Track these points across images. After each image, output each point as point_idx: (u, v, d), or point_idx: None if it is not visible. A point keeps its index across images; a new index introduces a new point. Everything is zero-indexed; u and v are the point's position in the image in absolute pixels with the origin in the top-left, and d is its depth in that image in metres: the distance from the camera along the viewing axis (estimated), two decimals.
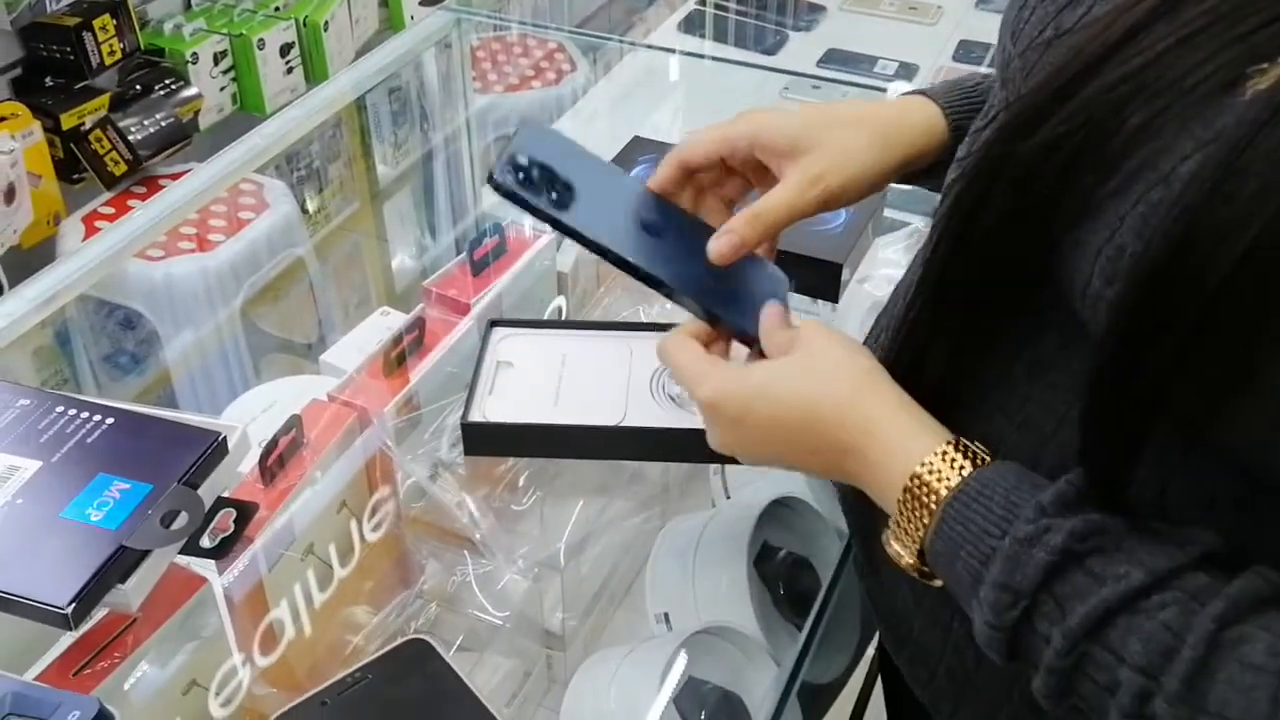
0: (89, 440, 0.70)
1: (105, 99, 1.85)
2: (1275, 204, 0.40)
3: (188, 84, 1.96)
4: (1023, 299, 0.55)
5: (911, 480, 0.54)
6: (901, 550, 0.56)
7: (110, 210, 1.88)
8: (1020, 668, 0.51)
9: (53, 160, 1.81)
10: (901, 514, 0.55)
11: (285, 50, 2.09)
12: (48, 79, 1.83)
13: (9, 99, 1.78)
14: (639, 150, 1.08)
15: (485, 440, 0.76)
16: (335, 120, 1.83)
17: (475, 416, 0.74)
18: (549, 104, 2.12)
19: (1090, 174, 0.46)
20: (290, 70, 2.12)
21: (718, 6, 2.14)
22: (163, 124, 1.90)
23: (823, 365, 0.59)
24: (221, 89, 2.04)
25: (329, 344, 1.04)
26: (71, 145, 1.83)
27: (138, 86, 1.90)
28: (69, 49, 1.79)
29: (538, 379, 0.78)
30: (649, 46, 1.79)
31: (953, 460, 0.53)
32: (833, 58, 1.91)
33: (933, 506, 0.53)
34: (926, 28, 1.99)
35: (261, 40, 2.04)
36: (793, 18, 2.08)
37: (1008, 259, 0.52)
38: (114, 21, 1.83)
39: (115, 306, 1.78)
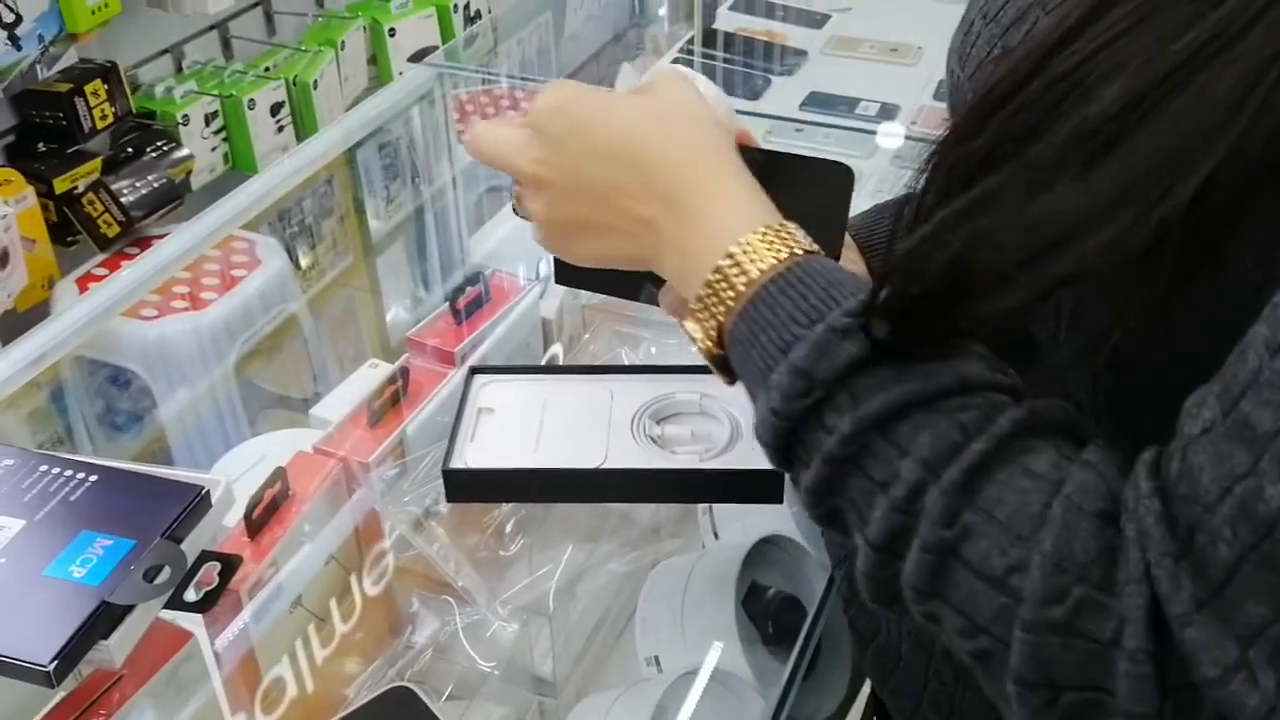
0: (72, 498, 0.70)
1: (98, 162, 1.87)
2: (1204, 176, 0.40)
3: (179, 145, 1.98)
4: None
5: (727, 256, 0.51)
6: (696, 329, 0.53)
7: (104, 272, 1.90)
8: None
9: (46, 224, 1.83)
10: (708, 286, 0.52)
11: (275, 109, 2.12)
12: (40, 144, 1.85)
13: (2, 165, 1.81)
14: None
15: (468, 487, 0.76)
16: (327, 176, 1.85)
17: (457, 463, 0.75)
18: None
19: (1030, 170, 0.47)
20: (281, 129, 2.14)
21: (704, 55, 2.17)
22: (155, 185, 1.92)
23: (669, 108, 0.57)
24: (213, 149, 2.07)
25: (324, 399, 1.04)
26: (65, 209, 1.85)
27: (130, 149, 1.92)
28: (61, 114, 1.81)
29: (519, 425, 0.79)
30: None
31: (772, 243, 0.51)
32: (815, 100, 1.93)
33: (740, 286, 0.51)
34: (907, 68, 2.01)
35: (252, 100, 2.07)
36: (776, 63, 2.10)
37: None
38: (105, 86, 1.86)
39: (109, 366, 1.79)
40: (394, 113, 1.49)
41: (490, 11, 2.63)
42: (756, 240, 0.51)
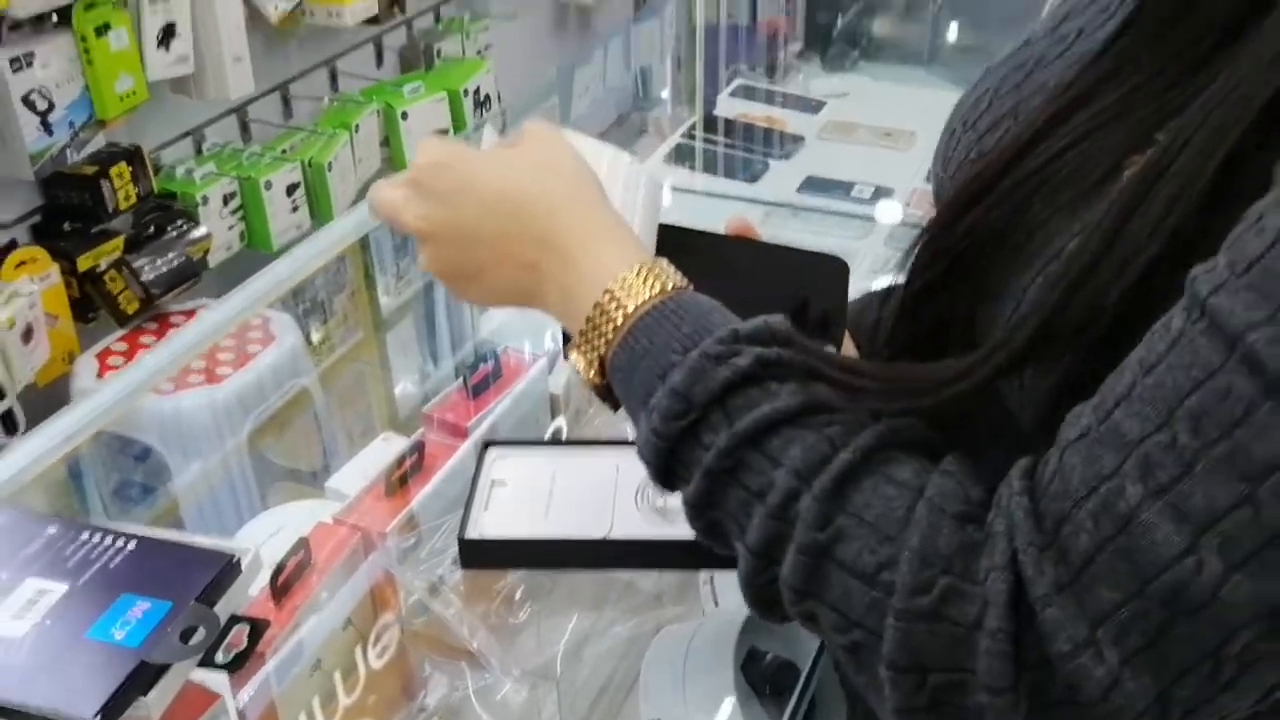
0: (112, 564, 0.75)
1: (120, 241, 1.94)
2: (1141, 267, 0.46)
3: (198, 224, 2.05)
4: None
5: (605, 293, 0.56)
6: (580, 360, 0.58)
7: (123, 347, 1.96)
8: None
9: (68, 300, 1.89)
10: (589, 322, 0.57)
11: (291, 190, 2.19)
12: (66, 224, 1.92)
13: (29, 243, 1.87)
14: None
15: (481, 555, 0.80)
16: (339, 255, 1.92)
17: (471, 533, 0.79)
18: None
19: (999, 261, 0.53)
20: (295, 209, 2.21)
21: (706, 139, 2.25)
22: (174, 263, 1.99)
23: (543, 159, 0.62)
24: (230, 228, 2.14)
25: (333, 470, 1.09)
26: (87, 286, 1.91)
27: (151, 228, 1.99)
28: (87, 196, 1.89)
29: (529, 496, 0.83)
30: None
31: (646, 279, 0.56)
32: (812, 183, 2.01)
33: (619, 320, 0.56)
34: (900, 153, 2.09)
35: (269, 181, 2.14)
36: (775, 147, 2.18)
37: (941, 328, 0.58)
38: (130, 169, 1.93)
39: (126, 440, 1.83)
40: None
41: (499, 96, 2.72)
42: (632, 277, 0.56)
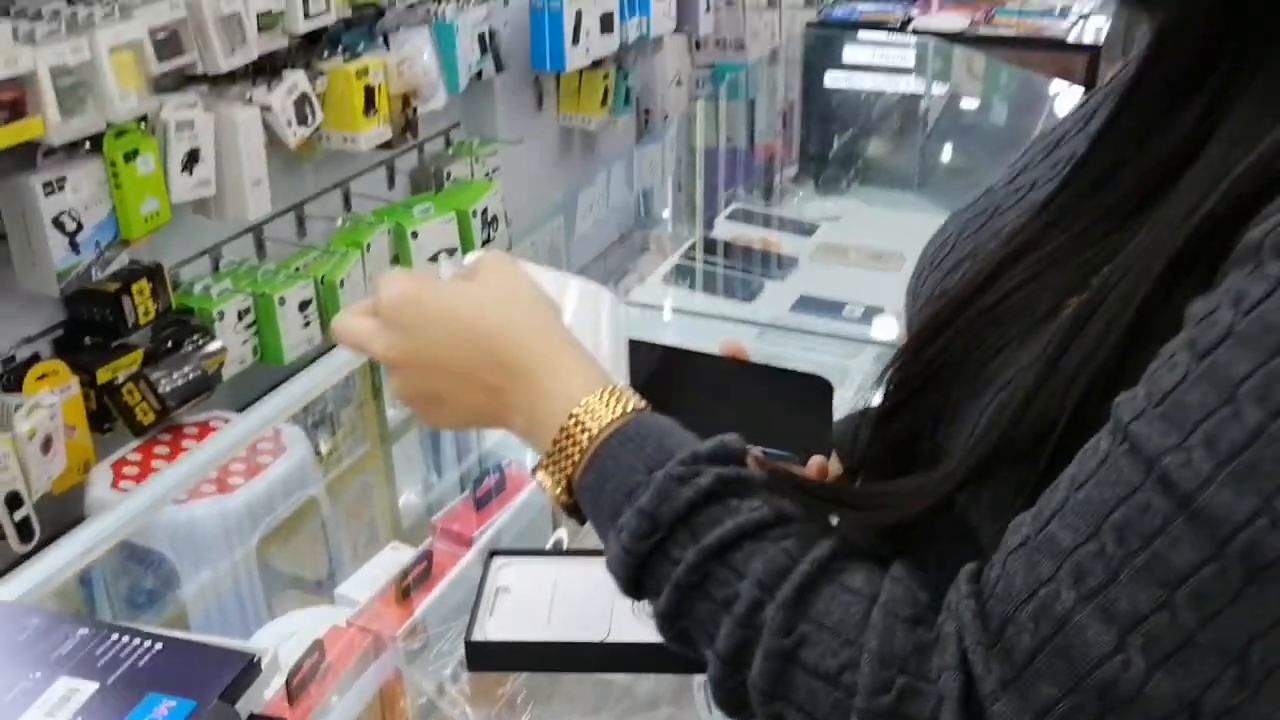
0: (140, 663, 0.79)
1: (139, 355, 2.01)
2: (1077, 396, 0.52)
3: (213, 338, 2.13)
4: None
5: (570, 417, 0.60)
6: (548, 480, 0.62)
7: (137, 457, 2.01)
8: None
9: (86, 411, 1.95)
10: (556, 445, 0.61)
11: (304, 306, 2.27)
12: (87, 338, 1.99)
13: (52, 357, 1.94)
14: None
15: (487, 657, 0.85)
16: (349, 371, 1.99)
17: (478, 636, 0.84)
18: None
19: (958, 386, 0.60)
20: (308, 324, 2.29)
21: (705, 261, 2.34)
22: (190, 376, 2.06)
23: (505, 291, 0.66)
24: (244, 342, 2.21)
25: (339, 579, 1.14)
26: (105, 397, 1.98)
27: (169, 343, 2.06)
28: (109, 311, 1.96)
29: (532, 602, 0.88)
30: (633, 304, 1.97)
31: (609, 403, 0.61)
32: (805, 303, 2.09)
33: (585, 443, 0.60)
34: (890, 274, 2.18)
35: (282, 298, 2.22)
36: (771, 268, 2.27)
37: (908, 446, 0.64)
38: (150, 285, 2.01)
39: (138, 548, 1.87)
40: None
41: (507, 216, 2.83)
42: (595, 401, 0.61)
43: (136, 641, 0.81)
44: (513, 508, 1.12)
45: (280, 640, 1.06)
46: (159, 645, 0.81)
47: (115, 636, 0.82)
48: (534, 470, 0.63)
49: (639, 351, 0.77)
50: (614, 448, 0.59)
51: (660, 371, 0.79)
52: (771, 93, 3.61)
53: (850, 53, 3.31)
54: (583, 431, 0.60)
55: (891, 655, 0.51)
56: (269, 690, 0.86)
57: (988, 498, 0.57)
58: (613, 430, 0.60)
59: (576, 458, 0.61)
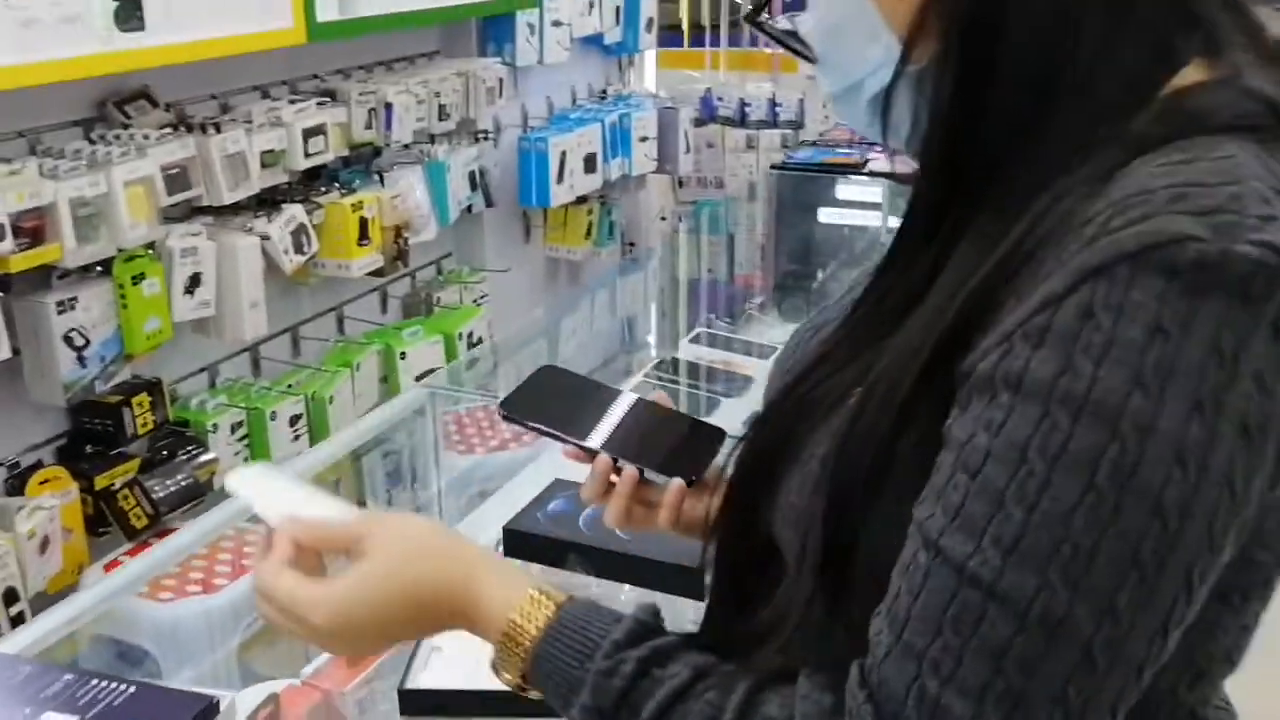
0: (115, 703, 0.92)
1: (136, 463, 2.14)
2: (863, 471, 0.67)
3: (206, 449, 2.26)
4: None
5: (508, 625, 0.73)
6: (506, 674, 0.75)
7: (128, 559, 2.13)
8: None
9: (83, 515, 2.07)
10: (503, 648, 0.74)
11: (294, 420, 2.42)
12: (88, 446, 2.13)
13: (54, 463, 2.08)
14: (559, 489, 1.35)
15: (417, 704, 0.97)
16: (335, 478, 2.12)
17: (410, 685, 0.96)
18: (517, 464, 2.42)
19: (782, 458, 0.74)
20: (297, 438, 2.43)
21: (669, 379, 2.49)
22: (182, 484, 2.18)
23: (413, 553, 0.77)
24: (235, 453, 2.34)
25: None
26: (101, 502, 2.10)
27: (164, 452, 2.20)
28: (110, 422, 2.11)
29: (464, 657, 1.01)
30: None
31: (538, 603, 0.74)
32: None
33: (526, 644, 0.73)
34: None
35: (274, 413, 2.36)
36: (731, 385, 2.42)
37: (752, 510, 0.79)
38: (150, 398, 2.16)
39: (123, 644, 1.97)
40: (391, 425, 1.77)
41: (492, 338, 2.99)
42: (527, 604, 0.74)
43: (113, 685, 0.94)
44: None
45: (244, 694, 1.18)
46: (132, 689, 0.94)
47: (95, 681, 0.94)
48: (490, 667, 0.76)
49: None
50: (547, 648, 0.73)
51: (596, 407, 0.93)
52: (750, 227, 3.83)
53: (813, 192, 3.55)
54: (522, 634, 0.73)
55: None
56: None
57: (847, 605, 0.70)
58: (547, 627, 0.73)
59: (523, 655, 0.73)
